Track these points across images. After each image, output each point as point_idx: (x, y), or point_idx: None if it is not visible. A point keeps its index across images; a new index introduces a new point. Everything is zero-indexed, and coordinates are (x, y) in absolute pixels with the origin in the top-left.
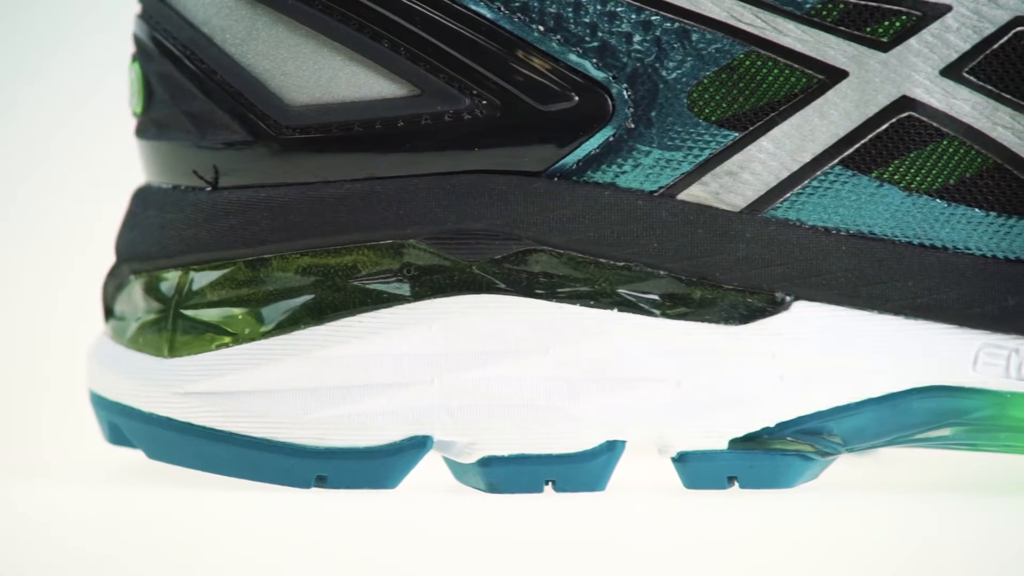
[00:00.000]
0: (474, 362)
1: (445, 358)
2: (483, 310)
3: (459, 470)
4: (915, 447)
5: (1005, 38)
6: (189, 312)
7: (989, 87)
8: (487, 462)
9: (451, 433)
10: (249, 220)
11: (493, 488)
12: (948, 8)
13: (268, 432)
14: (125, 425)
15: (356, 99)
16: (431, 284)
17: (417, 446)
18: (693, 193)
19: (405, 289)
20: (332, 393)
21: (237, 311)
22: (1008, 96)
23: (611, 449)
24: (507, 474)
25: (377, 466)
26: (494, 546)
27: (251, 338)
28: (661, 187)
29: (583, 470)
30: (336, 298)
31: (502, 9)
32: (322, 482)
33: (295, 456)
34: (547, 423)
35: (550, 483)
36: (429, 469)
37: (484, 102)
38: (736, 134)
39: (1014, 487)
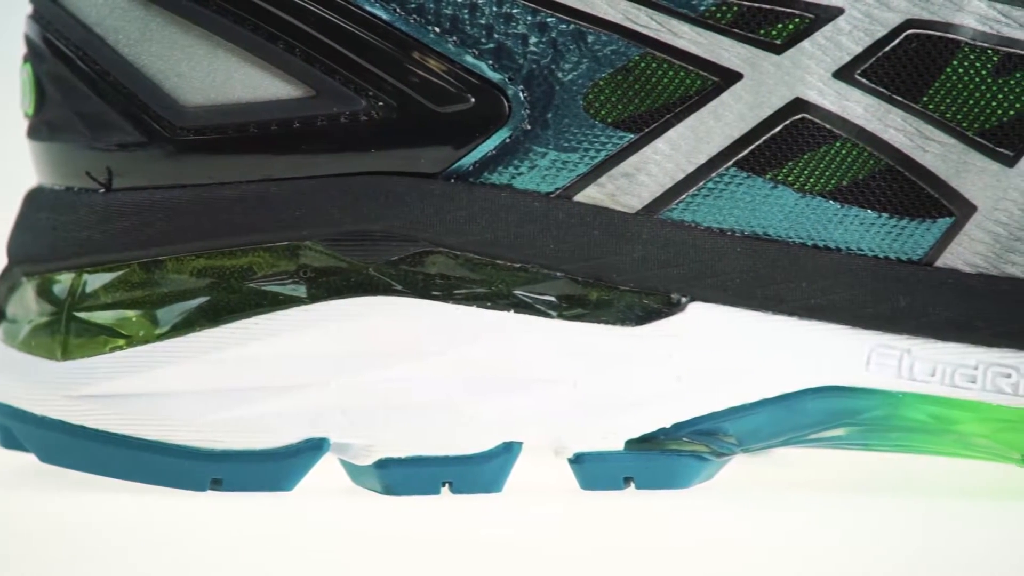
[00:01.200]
0: (371, 364)
1: (341, 360)
2: (380, 312)
3: (355, 472)
4: (809, 447)
5: (896, 40)
6: (82, 314)
7: (881, 89)
8: (384, 464)
9: (348, 435)
10: (143, 222)
11: (389, 490)
12: (840, 11)
13: (163, 435)
14: (17, 428)
15: (251, 100)
16: (327, 286)
17: (313, 448)
18: (589, 194)
19: (301, 291)
20: (227, 395)
21: (131, 313)
22: (899, 98)
23: (508, 450)
24: (404, 476)
25: (273, 468)
26: (389, 548)
27: (145, 340)
28: (557, 188)
29: (480, 471)
30: (231, 300)
31: (398, 11)
32: (217, 485)
33: (190, 459)
34: (444, 425)
35: (447, 485)
36: (326, 471)
37: (380, 103)
38: (632, 136)
39: (905, 486)
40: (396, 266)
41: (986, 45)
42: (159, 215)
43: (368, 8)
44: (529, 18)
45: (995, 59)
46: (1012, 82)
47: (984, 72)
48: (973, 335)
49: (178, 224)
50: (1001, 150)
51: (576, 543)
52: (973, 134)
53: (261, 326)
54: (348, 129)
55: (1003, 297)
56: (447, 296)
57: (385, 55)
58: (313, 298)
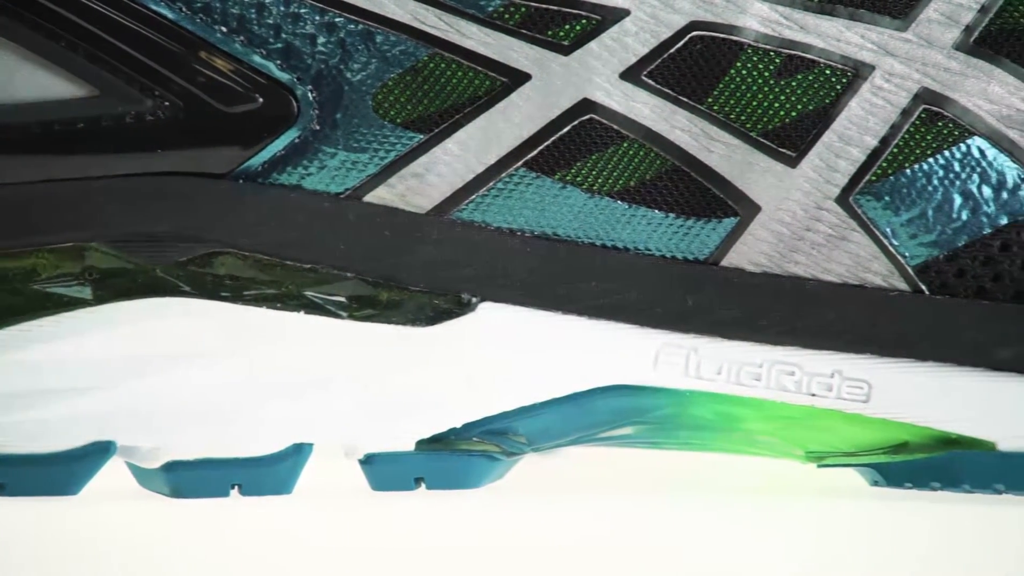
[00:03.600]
0: (158, 366)
1: (129, 362)
2: (167, 313)
3: (143, 475)
4: (599, 446)
5: (681, 42)
6: None
7: (667, 90)
8: (172, 467)
9: (135, 438)
10: None
11: (178, 493)
12: (626, 13)
13: None
14: None
15: (33, 100)
16: (114, 287)
17: (100, 452)
18: (380, 195)
19: (87, 293)
20: (11, 399)
21: None
22: (685, 99)
23: (298, 452)
24: (192, 478)
25: (58, 472)
26: (176, 552)
27: None
28: (347, 189)
29: (270, 473)
30: (15, 302)
31: (184, 10)
32: (1, 489)
33: None
34: (233, 426)
35: (236, 487)
36: (113, 474)
37: (166, 103)
38: (421, 136)
39: (692, 484)
40: (184, 267)
41: (768, 47)
42: None
43: (153, 7)
44: (317, 18)
45: (777, 61)
46: (794, 84)
47: (767, 74)
48: (758, 333)
49: None
50: (784, 151)
51: (366, 544)
52: (757, 135)
53: (46, 328)
54: (134, 129)
55: (786, 296)
56: (236, 297)
57: (171, 55)
58: (99, 300)
